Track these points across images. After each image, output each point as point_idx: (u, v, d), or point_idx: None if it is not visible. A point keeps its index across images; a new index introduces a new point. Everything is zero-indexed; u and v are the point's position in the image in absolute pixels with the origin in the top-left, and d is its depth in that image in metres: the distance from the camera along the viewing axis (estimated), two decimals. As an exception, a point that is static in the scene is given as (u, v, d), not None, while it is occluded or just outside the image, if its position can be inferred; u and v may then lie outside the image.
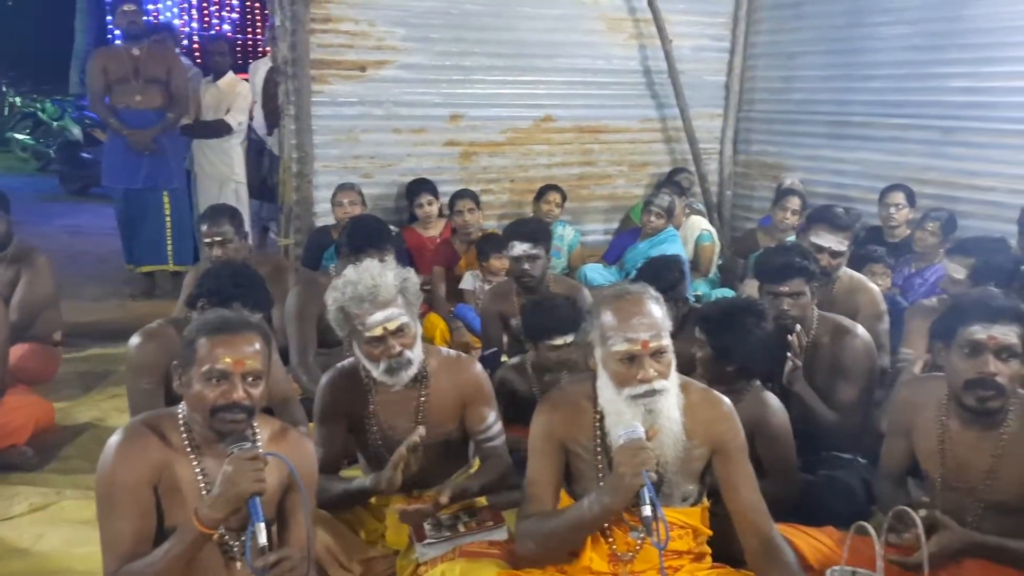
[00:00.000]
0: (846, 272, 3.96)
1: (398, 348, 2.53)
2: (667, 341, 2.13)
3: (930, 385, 2.54)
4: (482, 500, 2.71)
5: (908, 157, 5.81)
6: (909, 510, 2.19)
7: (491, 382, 2.88)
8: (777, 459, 2.80)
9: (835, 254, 3.76)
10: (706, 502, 2.35)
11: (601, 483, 2.19)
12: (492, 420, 2.76)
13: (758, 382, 2.99)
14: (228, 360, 2.02)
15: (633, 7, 6.69)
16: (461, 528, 2.49)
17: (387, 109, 6.09)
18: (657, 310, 2.15)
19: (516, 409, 3.34)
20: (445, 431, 2.71)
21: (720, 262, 6.48)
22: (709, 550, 2.36)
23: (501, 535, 2.47)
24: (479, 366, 2.81)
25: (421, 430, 2.52)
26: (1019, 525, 2.36)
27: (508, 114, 6.47)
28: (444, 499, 2.48)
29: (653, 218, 5.71)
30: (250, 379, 2.05)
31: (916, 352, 3.47)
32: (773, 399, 2.93)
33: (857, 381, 3.23)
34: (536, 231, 4.19)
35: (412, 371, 2.59)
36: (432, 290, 5.32)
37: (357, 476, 2.76)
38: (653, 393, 2.10)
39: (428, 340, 4.44)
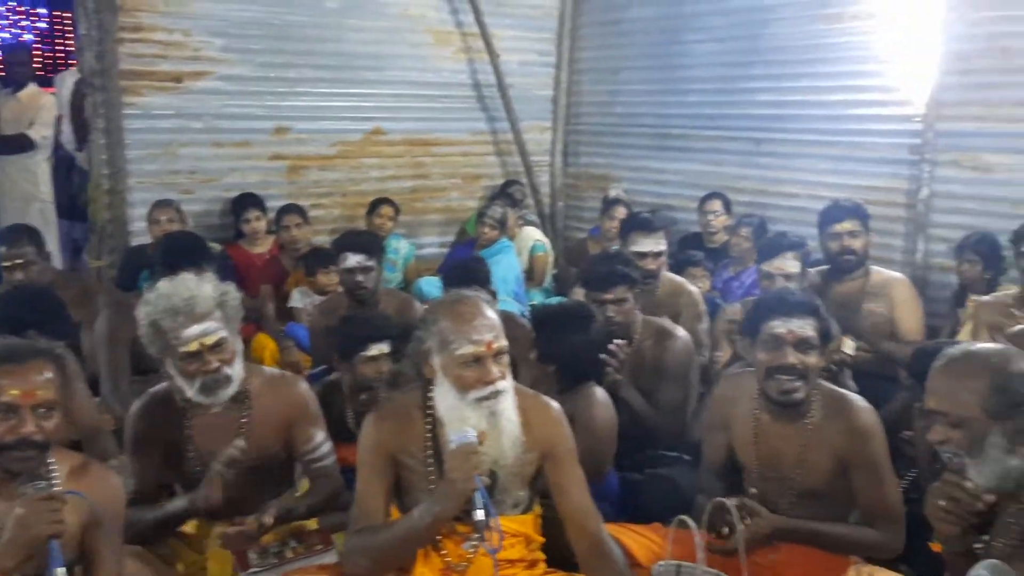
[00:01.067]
0: (668, 276, 4.16)
1: (215, 364, 2.41)
2: (506, 342, 2.14)
3: (744, 380, 2.68)
4: (312, 523, 2.62)
5: (724, 167, 6.14)
6: (725, 501, 2.29)
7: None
8: (590, 452, 2.84)
9: (656, 255, 3.93)
10: (538, 508, 2.37)
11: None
12: (320, 440, 2.68)
13: (591, 382, 3.05)
14: (15, 392, 1.86)
15: (460, 21, 6.75)
16: (288, 554, 2.40)
17: (207, 122, 5.85)
18: (492, 312, 2.16)
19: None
20: (269, 453, 2.60)
21: (555, 271, 6.62)
22: (543, 557, 2.37)
23: (331, 558, 2.40)
24: (305, 384, 2.73)
25: (240, 442, 2.41)
26: (827, 509, 2.51)
27: (337, 127, 6.36)
28: (268, 520, 2.38)
29: (487, 229, 5.76)
30: (42, 411, 1.89)
31: (724, 355, 3.68)
32: (603, 396, 3.01)
33: (678, 381, 3.37)
34: (369, 242, 4.15)
35: (231, 389, 2.47)
36: (261, 309, 5.14)
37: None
38: (497, 394, 2.10)
39: (257, 360, 4.30)
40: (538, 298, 5.89)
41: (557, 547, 2.42)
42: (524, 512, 2.32)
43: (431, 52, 6.67)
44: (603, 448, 2.92)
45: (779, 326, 2.45)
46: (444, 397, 2.15)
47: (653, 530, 2.57)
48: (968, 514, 1.78)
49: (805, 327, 2.44)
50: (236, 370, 2.48)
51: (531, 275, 6.19)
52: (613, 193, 6.47)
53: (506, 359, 2.15)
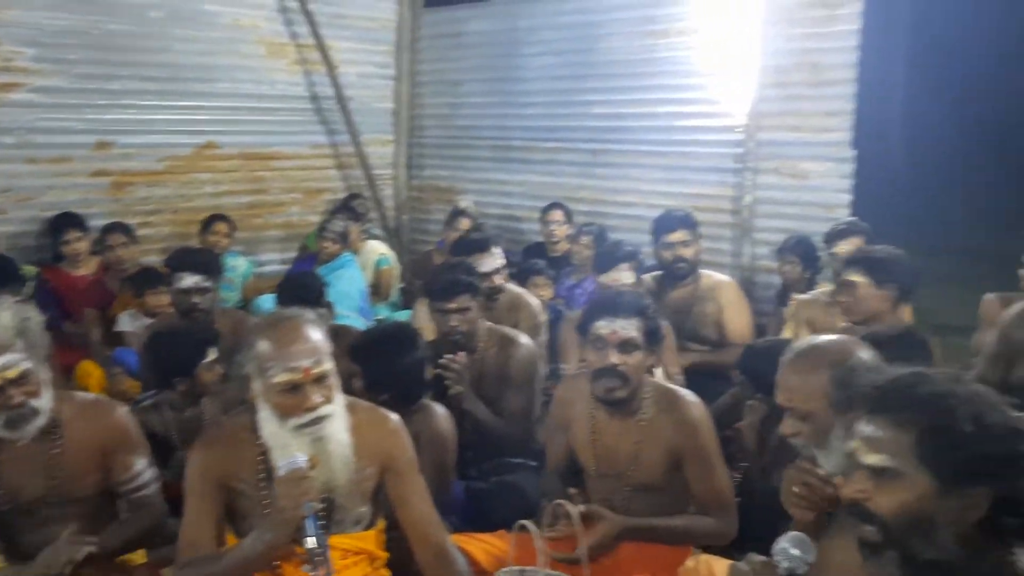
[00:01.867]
0: (509, 288, 4.19)
1: (19, 398, 2.25)
2: (329, 365, 2.07)
3: (580, 381, 2.73)
4: (139, 556, 2.48)
5: (563, 178, 6.31)
6: (564, 503, 2.32)
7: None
8: (432, 465, 2.83)
9: (496, 272, 3.97)
10: (381, 524, 2.32)
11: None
12: (141, 467, 2.53)
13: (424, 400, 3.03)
14: None
15: (295, 32, 6.61)
16: (112, 591, 2.25)
17: (19, 137, 5.46)
18: (316, 334, 2.08)
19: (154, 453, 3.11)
20: (85, 484, 2.44)
21: (401, 285, 6.57)
22: (388, 574, 2.32)
23: (161, 593, 2.27)
24: (123, 410, 2.56)
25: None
26: (662, 503, 2.59)
27: (166, 141, 6.08)
28: (79, 556, 2.22)
29: (328, 244, 5.65)
30: None
31: (570, 364, 3.75)
32: (440, 409, 3.00)
33: (523, 389, 3.40)
34: (206, 261, 3.99)
35: (39, 422, 2.31)
36: (86, 334, 4.84)
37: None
38: (320, 420, 2.04)
39: (83, 389, 4.03)
40: (384, 312, 5.83)
41: (403, 563, 2.39)
42: (367, 528, 2.26)
43: (265, 64, 6.51)
44: (445, 460, 2.90)
45: (604, 327, 2.52)
46: (267, 423, 2.08)
47: (498, 537, 2.57)
48: (820, 499, 1.83)
49: (629, 328, 2.52)
50: (44, 401, 2.31)
51: (377, 289, 6.11)
52: (461, 205, 6.51)
53: (331, 381, 2.09)
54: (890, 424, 1.41)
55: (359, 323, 4.93)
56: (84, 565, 2.25)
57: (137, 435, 2.56)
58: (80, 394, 2.60)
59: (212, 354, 3.15)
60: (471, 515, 2.92)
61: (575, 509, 2.31)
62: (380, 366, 2.86)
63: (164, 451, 3.02)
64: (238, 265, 5.96)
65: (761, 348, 2.97)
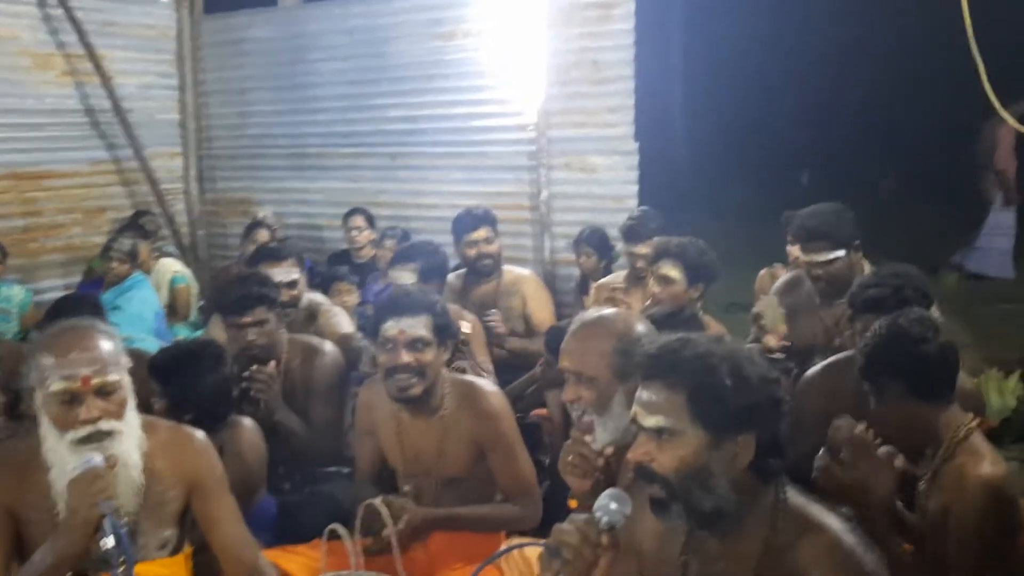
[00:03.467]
0: (310, 298, 4.11)
1: None
2: (117, 377, 1.97)
3: (381, 385, 2.71)
4: None
5: (363, 183, 6.28)
6: (373, 502, 2.33)
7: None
8: (241, 481, 2.76)
9: (290, 284, 3.85)
10: (188, 549, 2.24)
11: None
12: None
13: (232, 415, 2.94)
14: None
15: (62, 42, 6.19)
16: None
17: None
18: (103, 343, 1.98)
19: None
20: None
21: (202, 303, 6.30)
22: (196, 602, 2.25)
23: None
24: None
25: None
26: (472, 495, 2.65)
27: (-81, 163, 5.54)
28: None
29: (115, 264, 5.33)
30: None
31: None
32: (248, 423, 2.92)
33: (330, 397, 3.36)
34: None
35: None
36: None
37: None
38: (101, 437, 1.93)
39: None
40: (183, 333, 5.56)
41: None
42: (173, 553, 2.16)
43: (30, 77, 6.05)
44: (254, 474, 2.83)
45: (392, 327, 2.55)
46: (46, 437, 1.96)
47: (312, 547, 2.53)
48: (592, 468, 1.95)
49: (416, 326, 2.55)
50: None
51: (174, 309, 5.83)
52: (260, 215, 6.32)
53: (120, 396, 1.99)
54: (664, 387, 1.53)
55: (156, 346, 4.67)
56: None
57: None
58: None
59: None
60: (285, 529, 2.86)
61: (383, 506, 2.32)
62: (183, 384, 2.75)
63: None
64: (14, 294, 5.47)
65: (563, 326, 3.10)
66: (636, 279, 4.12)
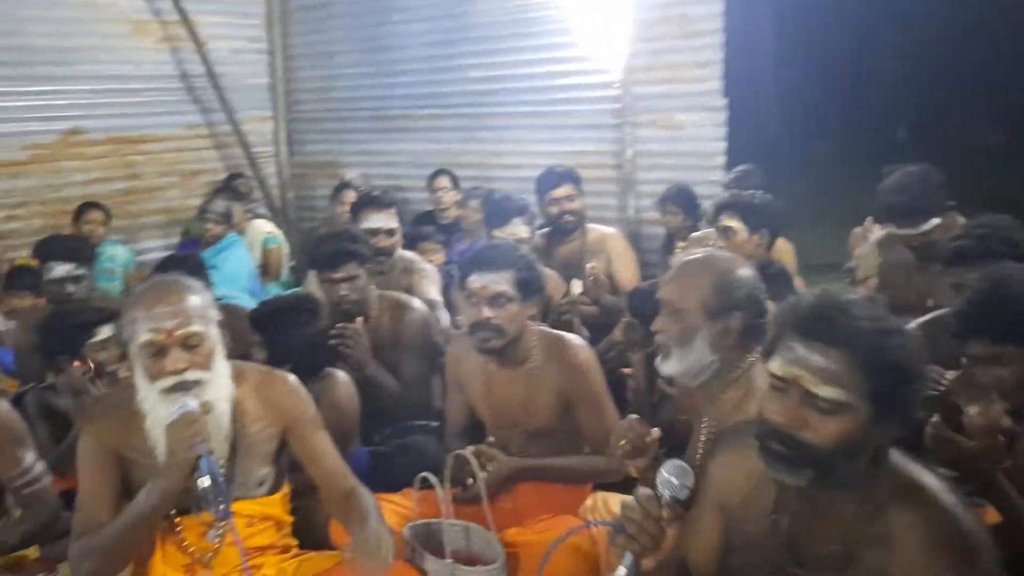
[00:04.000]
0: (401, 254, 4.21)
1: None
2: (201, 328, 2.06)
3: (468, 338, 2.77)
4: (32, 552, 2.44)
5: (445, 144, 6.30)
6: (463, 452, 2.39)
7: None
8: (335, 430, 2.85)
9: (389, 232, 3.96)
10: (286, 488, 2.33)
11: None
12: (29, 462, 2.51)
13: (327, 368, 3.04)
14: None
15: (158, 8, 6.38)
16: (7, 588, 2.21)
17: None
18: (192, 298, 2.08)
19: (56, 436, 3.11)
20: None
21: (293, 263, 6.48)
22: (295, 541, 2.34)
23: (58, 589, 2.24)
24: (3, 403, 2.54)
25: None
26: (555, 446, 2.69)
27: (26, 128, 5.80)
28: None
29: (211, 226, 5.53)
30: None
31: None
32: (343, 376, 3.03)
33: (418, 353, 3.44)
34: (76, 248, 3.92)
35: None
36: None
37: None
38: (187, 385, 2.03)
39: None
40: (275, 292, 5.74)
41: (309, 531, 2.43)
42: (271, 492, 2.26)
43: (128, 43, 6.25)
44: (348, 425, 2.94)
45: (475, 281, 2.59)
46: (139, 387, 2.08)
47: (403, 496, 2.63)
48: (645, 448, 2.05)
49: (499, 281, 2.58)
50: None
51: (266, 269, 6.02)
52: (348, 177, 6.44)
53: (206, 347, 2.07)
54: (841, 356, 1.43)
55: (250, 304, 4.84)
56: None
57: (21, 428, 2.52)
58: None
59: (105, 332, 3.06)
60: (376, 480, 2.94)
61: (472, 456, 2.37)
62: (281, 336, 2.87)
63: (65, 433, 2.99)
64: (118, 254, 5.75)
65: (646, 287, 3.11)
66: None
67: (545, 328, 2.79)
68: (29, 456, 2.49)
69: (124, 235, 6.18)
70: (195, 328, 2.04)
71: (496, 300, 2.57)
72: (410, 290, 3.87)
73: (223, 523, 2.00)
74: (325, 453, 2.27)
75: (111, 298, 4.48)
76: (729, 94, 5.13)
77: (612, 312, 4.09)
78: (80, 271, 3.79)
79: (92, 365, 3.05)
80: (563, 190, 4.29)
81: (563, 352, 2.66)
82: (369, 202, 4.03)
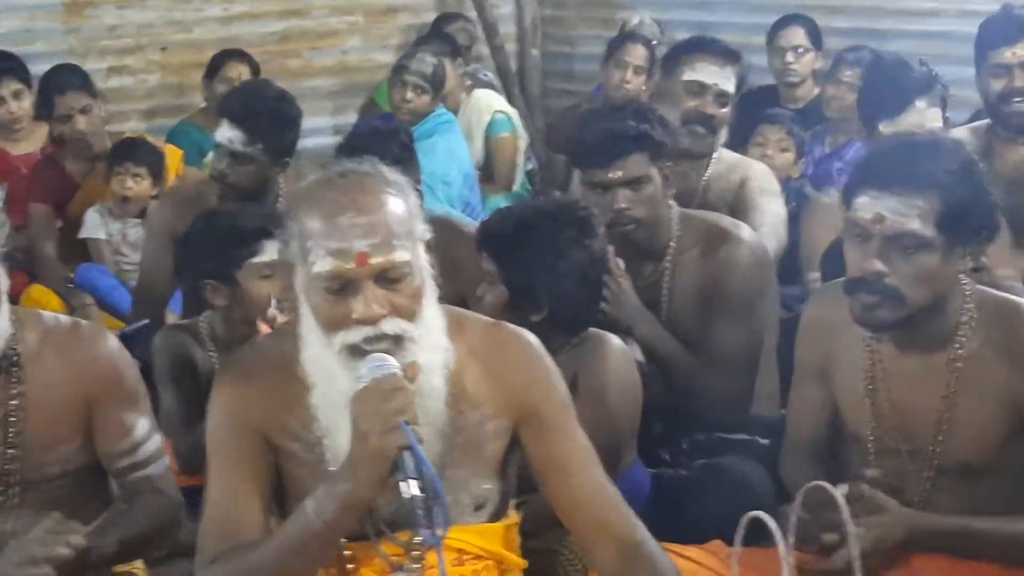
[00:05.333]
0: (725, 154, 4.16)
1: None
2: (408, 256, 2.09)
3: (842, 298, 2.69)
4: (136, 569, 2.66)
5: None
6: (825, 485, 2.31)
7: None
8: (600, 432, 2.82)
9: (721, 96, 3.94)
10: (515, 517, 2.37)
11: None
12: (142, 434, 2.65)
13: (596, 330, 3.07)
14: None
15: None
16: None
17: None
18: (394, 203, 2.10)
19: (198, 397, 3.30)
20: (60, 456, 2.58)
21: (531, 165, 6.61)
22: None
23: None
24: (113, 341, 2.70)
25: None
26: (989, 495, 2.57)
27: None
28: (61, 556, 2.32)
29: (410, 94, 5.74)
30: None
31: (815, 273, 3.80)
32: (619, 348, 3.04)
33: (743, 315, 3.40)
34: (252, 107, 4.20)
35: None
36: (33, 244, 5.17)
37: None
38: (383, 341, 2.07)
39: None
40: (502, 206, 5.87)
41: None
42: (492, 518, 2.30)
43: None
44: (620, 426, 2.94)
45: (866, 207, 2.46)
46: (306, 340, 2.13)
47: (710, 551, 2.63)
48: None
49: (910, 213, 2.41)
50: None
51: (490, 170, 6.22)
52: (634, 22, 6.46)
53: (413, 285, 2.09)
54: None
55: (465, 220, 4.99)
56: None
57: (134, 382, 2.68)
58: (51, 315, 2.74)
59: (270, 252, 3.24)
60: (662, 521, 2.94)
61: (840, 495, 2.30)
62: (535, 264, 2.91)
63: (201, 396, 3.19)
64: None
65: None
66: None
67: (986, 290, 2.66)
68: (142, 425, 2.64)
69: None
70: (400, 255, 2.06)
71: (898, 244, 2.47)
72: (737, 210, 3.84)
73: (419, 548, 2.02)
74: (581, 463, 2.25)
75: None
76: None
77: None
78: (250, 148, 4.07)
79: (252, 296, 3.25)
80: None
81: (1019, 331, 2.53)
82: (701, 46, 4.04)
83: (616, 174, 3.35)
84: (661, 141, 3.42)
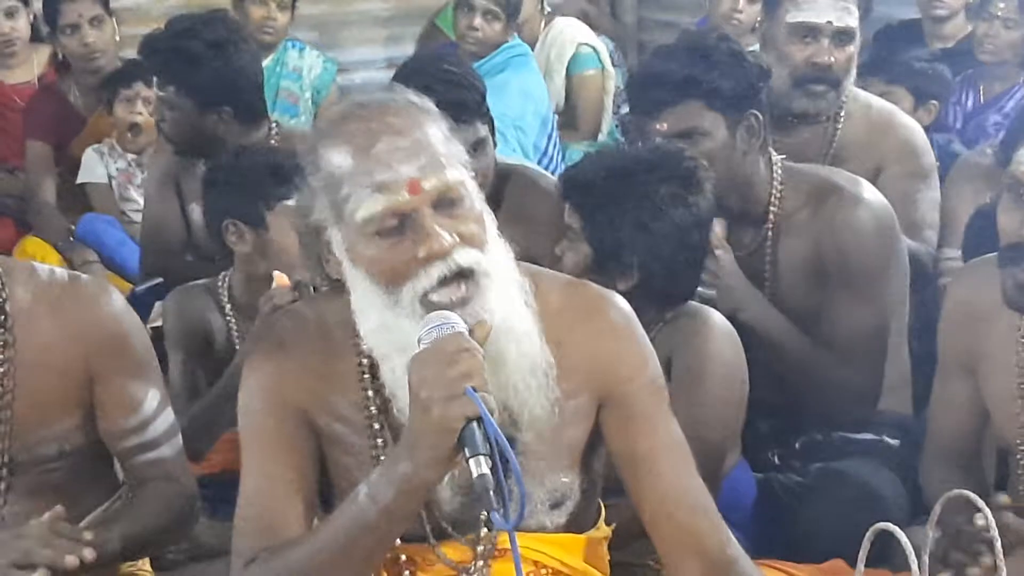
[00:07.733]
0: (859, 96, 4.13)
1: None
2: (460, 175, 2.08)
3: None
4: (143, 570, 2.71)
5: None
6: (973, 497, 2.28)
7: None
8: (697, 426, 2.78)
9: (840, 35, 3.88)
10: (605, 528, 2.39)
11: None
12: (151, 410, 2.68)
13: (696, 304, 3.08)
14: None
15: None
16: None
17: None
18: (433, 127, 2.10)
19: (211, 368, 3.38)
20: (55, 433, 2.61)
21: (619, 112, 6.59)
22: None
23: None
24: (118, 299, 2.73)
25: None
26: None
27: None
28: (67, 564, 2.34)
29: (479, 20, 5.74)
30: None
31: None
32: (723, 327, 3.03)
33: (866, 291, 3.39)
34: (151, 43, 4.36)
35: None
36: (29, 190, 5.23)
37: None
38: (459, 276, 2.04)
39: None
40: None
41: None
42: (572, 521, 2.29)
43: None
44: (722, 419, 2.93)
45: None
46: (363, 304, 2.11)
47: (826, 572, 2.64)
48: None
49: None
50: None
51: (573, 115, 6.21)
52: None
53: (472, 207, 2.07)
54: None
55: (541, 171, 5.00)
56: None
57: (144, 347, 2.71)
58: (45, 267, 2.75)
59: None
60: (770, 530, 2.99)
61: (985, 507, 2.26)
62: (627, 221, 2.91)
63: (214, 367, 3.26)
64: (306, 65, 6.14)
65: None
66: None
67: None
68: (152, 398, 2.67)
69: (319, 34, 6.65)
70: (453, 174, 2.05)
71: None
72: (874, 176, 3.81)
73: (489, 543, 2.03)
74: (670, 458, 2.23)
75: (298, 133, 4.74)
76: None
77: None
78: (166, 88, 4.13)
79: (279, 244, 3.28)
80: None
81: None
82: None
83: (662, 126, 3.34)
84: (724, 88, 3.39)
